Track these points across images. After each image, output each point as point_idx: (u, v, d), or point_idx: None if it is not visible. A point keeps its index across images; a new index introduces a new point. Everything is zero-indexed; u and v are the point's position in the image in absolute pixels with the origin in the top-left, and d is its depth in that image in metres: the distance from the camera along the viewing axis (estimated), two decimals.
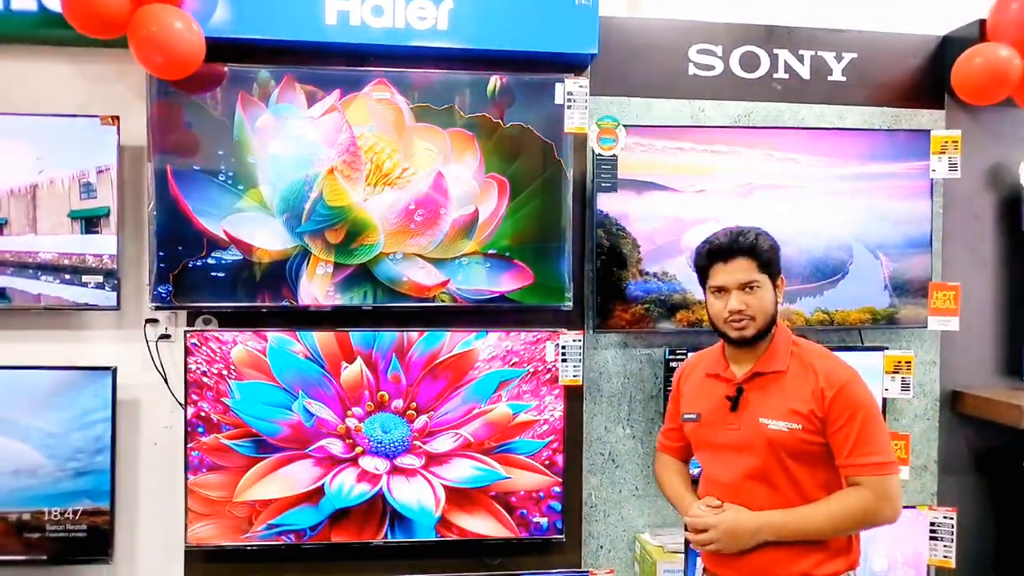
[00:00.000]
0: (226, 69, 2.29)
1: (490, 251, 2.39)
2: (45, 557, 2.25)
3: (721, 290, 1.65)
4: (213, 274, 2.31)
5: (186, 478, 2.28)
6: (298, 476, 2.32)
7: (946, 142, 2.54)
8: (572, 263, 2.43)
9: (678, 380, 1.86)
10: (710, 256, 1.67)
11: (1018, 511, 2.66)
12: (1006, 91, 2.40)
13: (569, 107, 2.38)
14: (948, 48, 2.67)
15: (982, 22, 2.52)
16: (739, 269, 1.63)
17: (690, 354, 2.46)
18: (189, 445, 2.28)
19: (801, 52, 2.65)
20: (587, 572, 2.26)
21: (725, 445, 1.67)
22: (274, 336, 2.30)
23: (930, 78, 2.70)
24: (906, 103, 2.71)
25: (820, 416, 1.58)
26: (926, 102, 2.71)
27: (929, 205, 2.60)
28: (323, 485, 2.32)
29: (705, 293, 1.71)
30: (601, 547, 2.57)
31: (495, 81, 2.38)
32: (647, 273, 2.49)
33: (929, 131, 2.57)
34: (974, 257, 2.72)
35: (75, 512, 2.25)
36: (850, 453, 1.56)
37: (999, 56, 2.36)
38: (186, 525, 2.29)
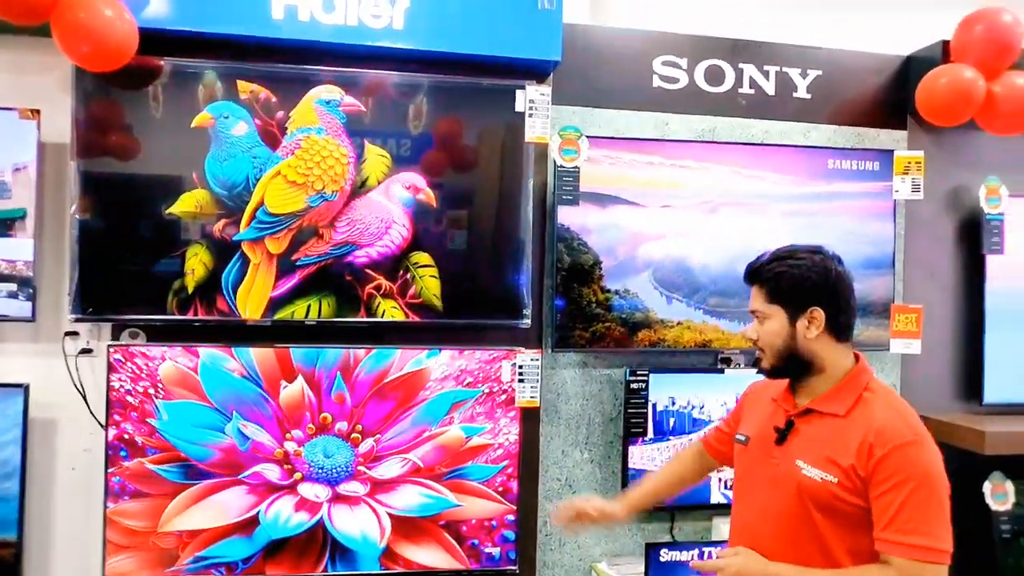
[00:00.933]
0: (161, 63, 2.12)
1: (445, 264, 2.26)
2: None
3: None
4: (141, 284, 2.12)
5: (105, 506, 2.08)
6: (230, 504, 2.13)
7: (909, 163, 2.52)
8: (531, 278, 2.31)
9: (746, 392, 1.75)
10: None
11: (978, 537, 2.62)
12: (970, 112, 2.39)
13: (530, 115, 2.28)
14: (912, 68, 2.66)
15: (945, 43, 2.51)
16: (753, 296, 1.54)
17: (652, 375, 2.37)
18: (109, 470, 2.08)
19: (766, 67, 2.60)
20: None
21: (762, 478, 1.53)
22: (207, 352, 2.12)
23: (893, 98, 2.68)
24: (870, 122, 2.68)
25: (862, 475, 1.38)
26: (889, 122, 2.69)
27: (892, 226, 2.58)
28: (258, 514, 2.14)
29: None
30: None
31: (453, 86, 2.26)
32: (608, 290, 2.39)
33: (892, 151, 2.54)
34: (934, 280, 2.70)
35: None
36: (887, 526, 1.35)
37: (964, 77, 2.34)
38: (104, 558, 2.08)
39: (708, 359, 2.51)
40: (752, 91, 2.60)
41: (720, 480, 2.43)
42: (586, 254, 2.38)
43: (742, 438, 1.62)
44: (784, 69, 2.61)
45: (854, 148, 2.61)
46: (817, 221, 2.52)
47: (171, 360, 2.10)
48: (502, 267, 2.31)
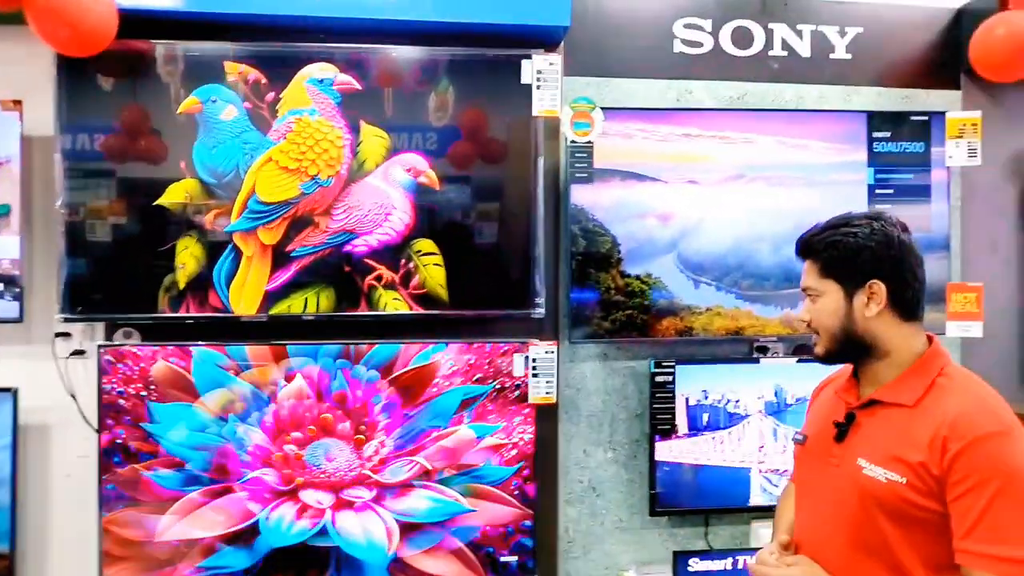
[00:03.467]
0: (145, 46, 2.01)
1: (450, 251, 2.10)
2: None
3: None
4: (131, 281, 2.01)
5: (100, 515, 1.98)
6: (229, 512, 2.01)
7: (964, 125, 2.26)
8: (544, 264, 2.14)
9: (815, 391, 1.54)
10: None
11: None
12: None
13: (539, 87, 2.10)
14: (964, 21, 2.39)
15: None
16: (805, 271, 1.34)
17: (679, 366, 2.18)
18: (103, 477, 1.98)
19: (799, 27, 2.37)
20: None
21: (822, 482, 1.34)
22: (199, 351, 2.00)
23: (944, 55, 2.43)
24: (918, 83, 2.43)
25: (935, 474, 1.18)
26: (940, 81, 2.43)
27: (946, 197, 2.32)
28: (258, 522, 2.01)
29: None
30: None
31: (454, 58, 2.10)
32: (628, 275, 2.20)
33: (944, 113, 2.29)
34: (995, 256, 2.44)
35: None
36: (967, 534, 1.15)
37: None
38: (100, 570, 1.98)
39: (742, 348, 2.30)
40: (784, 53, 2.37)
41: (763, 476, 2.21)
42: (603, 237, 2.19)
43: (799, 437, 1.42)
44: (820, 28, 2.38)
45: (901, 112, 2.37)
46: (862, 191, 2.28)
47: (163, 360, 1.99)
48: (512, 253, 2.14)
